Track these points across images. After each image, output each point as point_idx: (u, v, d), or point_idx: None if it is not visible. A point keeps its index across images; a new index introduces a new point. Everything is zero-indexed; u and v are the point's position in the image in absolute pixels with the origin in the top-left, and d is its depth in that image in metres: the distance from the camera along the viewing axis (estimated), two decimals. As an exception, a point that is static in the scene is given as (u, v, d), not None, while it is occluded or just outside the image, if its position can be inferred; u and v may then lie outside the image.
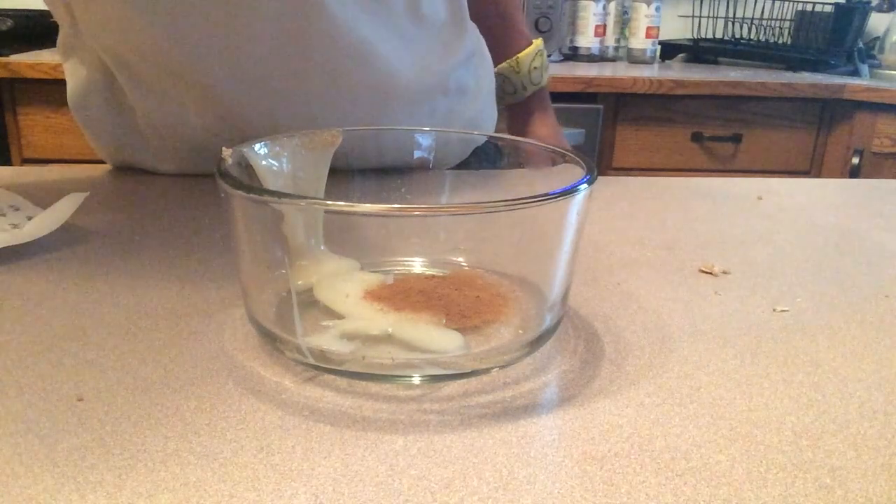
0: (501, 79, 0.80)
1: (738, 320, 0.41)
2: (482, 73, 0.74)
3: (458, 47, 0.69)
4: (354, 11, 0.59)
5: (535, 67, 0.79)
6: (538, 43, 0.80)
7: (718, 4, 2.12)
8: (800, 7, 2.06)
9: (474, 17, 0.73)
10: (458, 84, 0.70)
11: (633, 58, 2.06)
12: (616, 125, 1.84)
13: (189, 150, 0.66)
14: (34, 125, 1.70)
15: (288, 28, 0.57)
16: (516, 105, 0.84)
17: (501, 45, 0.79)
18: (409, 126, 0.64)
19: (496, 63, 0.79)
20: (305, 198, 0.34)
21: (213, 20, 0.56)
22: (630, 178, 0.74)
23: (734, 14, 2.11)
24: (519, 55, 0.78)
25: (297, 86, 0.61)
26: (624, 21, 2.11)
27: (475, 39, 0.73)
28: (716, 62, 2.11)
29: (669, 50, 2.16)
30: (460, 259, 0.43)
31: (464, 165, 0.67)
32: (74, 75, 0.66)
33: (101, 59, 0.63)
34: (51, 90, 1.66)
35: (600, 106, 1.79)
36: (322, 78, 0.61)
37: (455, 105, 0.70)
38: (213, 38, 0.57)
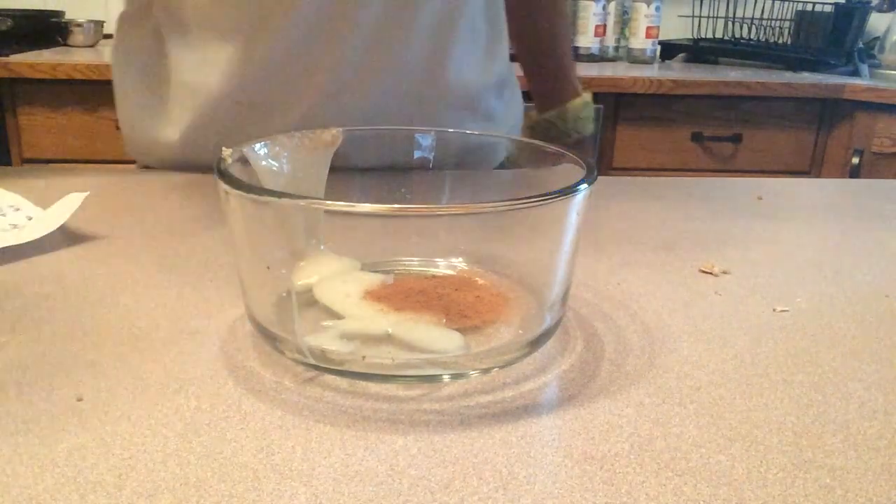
0: (548, 124, 0.85)
1: (738, 320, 0.41)
2: (512, 106, 0.78)
3: (491, 69, 0.73)
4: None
5: (580, 118, 0.84)
6: (587, 96, 0.85)
7: (718, 4, 2.12)
8: (800, 7, 2.06)
9: (533, 66, 0.80)
10: (488, 109, 0.73)
11: (633, 58, 2.06)
12: (616, 125, 1.83)
13: (198, 113, 0.68)
14: (34, 125, 1.70)
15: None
16: None
17: (554, 93, 0.85)
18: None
19: (547, 110, 0.84)
20: (305, 198, 0.34)
21: None
22: (630, 178, 0.74)
23: (734, 14, 2.11)
24: (568, 104, 0.83)
25: (338, 62, 0.64)
26: (624, 21, 2.11)
27: (507, 69, 0.77)
28: (716, 62, 2.10)
29: (669, 50, 2.16)
30: (460, 259, 0.43)
31: (463, 165, 0.67)
32: (127, 35, 0.71)
33: (155, 25, 0.69)
34: (51, 90, 1.66)
35: (600, 106, 1.79)
36: (369, 58, 0.65)
37: (483, 130, 0.73)
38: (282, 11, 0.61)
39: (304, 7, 0.61)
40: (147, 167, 0.76)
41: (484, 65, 0.72)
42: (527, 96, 0.84)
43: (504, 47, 0.75)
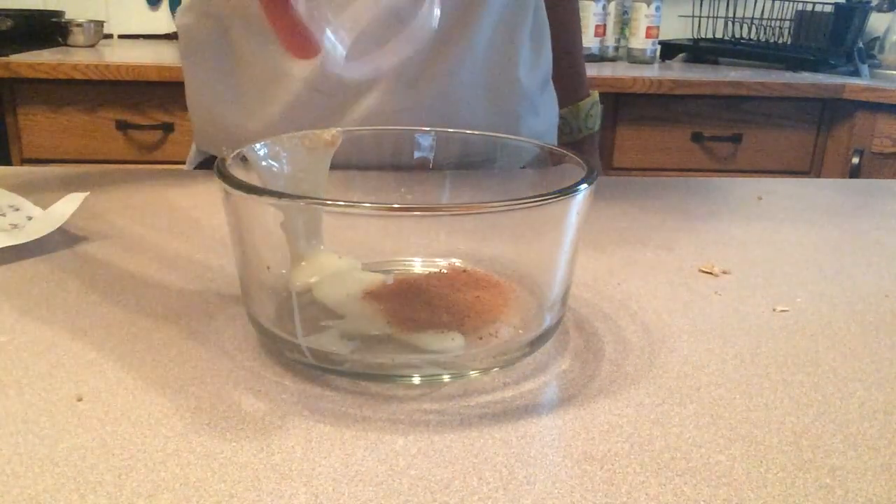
0: (562, 121, 0.91)
1: (738, 320, 0.41)
2: (551, 103, 0.83)
3: (539, 64, 0.77)
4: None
5: (590, 115, 0.93)
6: (595, 95, 0.93)
7: (718, 4, 2.12)
8: (800, 7, 2.06)
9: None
10: (536, 104, 0.77)
11: (633, 58, 2.06)
12: (616, 125, 1.84)
13: (284, 103, 0.69)
14: (34, 125, 1.70)
15: None
16: (570, 144, 0.94)
17: (568, 92, 0.91)
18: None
19: (560, 107, 0.90)
20: (305, 198, 0.34)
21: None
22: (630, 178, 0.75)
23: (734, 14, 2.11)
24: (579, 103, 0.91)
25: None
26: (624, 21, 2.11)
27: (549, 69, 0.81)
28: (716, 62, 2.10)
29: (669, 50, 2.16)
30: (460, 259, 0.43)
31: (463, 166, 0.67)
32: (194, 31, 0.73)
33: (221, 21, 0.70)
34: (51, 90, 1.66)
35: (600, 106, 1.79)
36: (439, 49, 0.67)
37: (533, 126, 0.76)
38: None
39: None
40: (208, 161, 0.76)
41: (534, 60, 0.76)
42: None
43: (548, 48, 0.80)
